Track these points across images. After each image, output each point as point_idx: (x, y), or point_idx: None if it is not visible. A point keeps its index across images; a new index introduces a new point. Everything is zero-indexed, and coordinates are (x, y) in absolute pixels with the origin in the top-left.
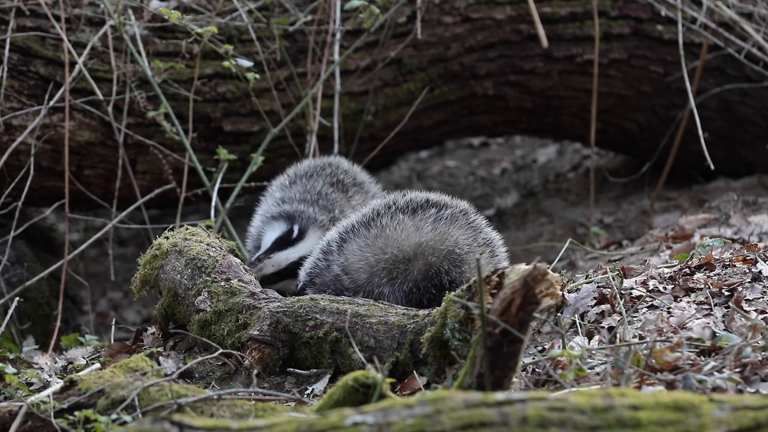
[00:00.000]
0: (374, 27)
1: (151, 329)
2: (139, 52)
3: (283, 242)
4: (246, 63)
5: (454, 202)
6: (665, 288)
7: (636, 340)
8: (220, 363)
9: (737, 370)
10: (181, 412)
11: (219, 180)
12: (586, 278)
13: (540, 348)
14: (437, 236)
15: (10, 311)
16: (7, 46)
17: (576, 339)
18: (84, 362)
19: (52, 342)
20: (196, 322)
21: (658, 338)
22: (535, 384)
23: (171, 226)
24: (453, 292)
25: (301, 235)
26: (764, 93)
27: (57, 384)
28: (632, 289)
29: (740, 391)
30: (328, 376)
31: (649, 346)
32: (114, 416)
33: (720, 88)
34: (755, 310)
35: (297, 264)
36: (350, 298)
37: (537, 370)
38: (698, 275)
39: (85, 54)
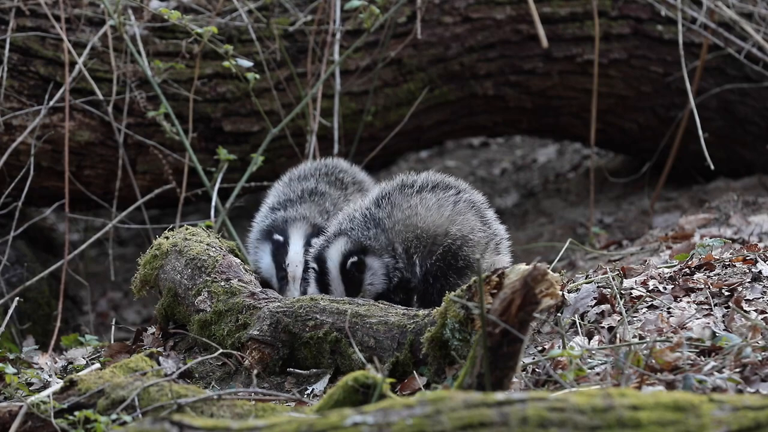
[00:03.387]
0: (374, 27)
1: (151, 329)
2: (139, 52)
3: (280, 252)
4: (246, 63)
5: (470, 189)
6: (665, 288)
7: (636, 340)
8: (220, 363)
9: (737, 370)
10: (181, 412)
11: (219, 180)
12: (586, 278)
13: (540, 348)
14: (456, 218)
15: (10, 311)
16: (7, 46)
17: (576, 339)
18: (84, 362)
19: (52, 342)
20: (196, 322)
21: (658, 338)
22: (535, 384)
23: (171, 226)
24: (453, 293)
25: (287, 239)
26: (764, 93)
27: (57, 384)
28: (632, 289)
29: (740, 391)
30: (328, 376)
31: (649, 346)
32: (114, 416)
33: (720, 88)
34: (755, 310)
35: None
36: (350, 299)
37: (537, 370)
38: (698, 275)
39: (85, 54)
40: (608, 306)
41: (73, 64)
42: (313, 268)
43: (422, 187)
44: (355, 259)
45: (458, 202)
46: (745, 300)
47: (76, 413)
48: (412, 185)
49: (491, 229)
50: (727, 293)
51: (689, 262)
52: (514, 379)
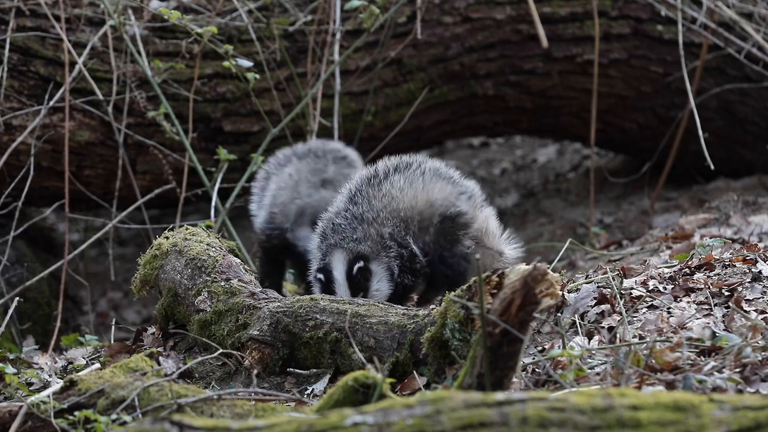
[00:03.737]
0: (374, 27)
1: (151, 329)
2: (139, 52)
3: None
4: (246, 63)
5: (427, 158)
6: (665, 288)
7: (636, 340)
8: (220, 363)
9: (737, 370)
10: (181, 412)
11: (219, 180)
12: (586, 278)
13: (540, 348)
14: (431, 186)
15: (10, 311)
16: (7, 46)
17: (576, 339)
18: (84, 362)
19: (52, 342)
20: (196, 322)
21: (658, 338)
22: (535, 384)
23: (171, 226)
24: (453, 293)
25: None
26: (764, 93)
27: (57, 384)
28: (632, 289)
29: (740, 391)
30: (328, 376)
31: (649, 346)
32: (114, 416)
33: (720, 88)
34: (755, 310)
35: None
36: (350, 299)
37: (537, 370)
38: (698, 275)
39: (85, 54)
40: (608, 306)
41: (73, 64)
42: (319, 279)
43: (386, 173)
44: (361, 264)
45: (425, 173)
46: (745, 300)
47: (76, 413)
48: (376, 174)
49: (463, 186)
50: (727, 293)
51: (689, 262)
52: (514, 379)
